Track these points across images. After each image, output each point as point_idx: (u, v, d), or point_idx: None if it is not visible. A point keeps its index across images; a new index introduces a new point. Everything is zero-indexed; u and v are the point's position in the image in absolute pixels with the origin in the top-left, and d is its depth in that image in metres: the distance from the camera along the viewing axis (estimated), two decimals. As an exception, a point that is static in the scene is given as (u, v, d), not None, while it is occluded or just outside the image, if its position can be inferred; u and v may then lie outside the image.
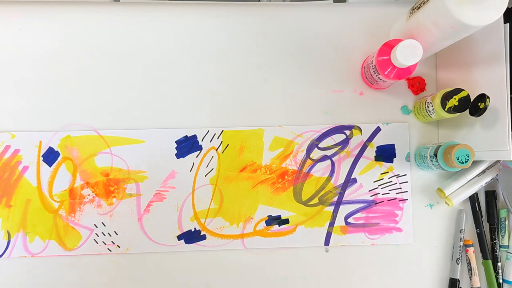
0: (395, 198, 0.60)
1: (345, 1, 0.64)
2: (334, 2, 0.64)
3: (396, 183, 0.60)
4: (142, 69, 0.60)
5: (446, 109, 0.53)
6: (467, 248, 0.60)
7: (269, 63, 0.61)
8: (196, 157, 0.59)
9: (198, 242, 0.59)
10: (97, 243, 0.58)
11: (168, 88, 0.60)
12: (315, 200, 0.60)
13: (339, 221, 0.60)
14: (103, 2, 0.61)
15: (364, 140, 0.60)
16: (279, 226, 0.60)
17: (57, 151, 0.58)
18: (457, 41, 0.51)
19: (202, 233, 0.59)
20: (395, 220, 0.60)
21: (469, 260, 0.60)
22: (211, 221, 0.59)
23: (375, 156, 0.60)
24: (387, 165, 0.60)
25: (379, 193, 0.60)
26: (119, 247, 0.58)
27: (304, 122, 0.61)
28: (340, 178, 0.60)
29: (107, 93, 0.60)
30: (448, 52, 0.57)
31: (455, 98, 0.52)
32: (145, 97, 0.60)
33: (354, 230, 0.60)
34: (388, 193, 0.60)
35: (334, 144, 0.60)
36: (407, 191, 0.60)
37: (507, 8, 0.45)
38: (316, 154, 0.60)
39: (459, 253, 0.60)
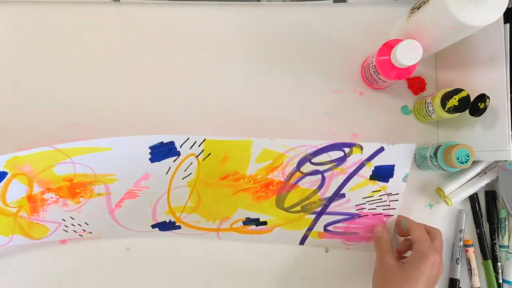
0: (381, 213, 0.58)
1: (345, 1, 0.64)
2: (334, 2, 0.64)
3: (385, 201, 0.58)
4: (141, 71, 0.60)
5: (446, 109, 0.53)
6: (467, 248, 0.60)
7: (268, 63, 0.61)
8: (173, 162, 0.53)
9: (173, 230, 0.57)
10: (67, 232, 0.55)
11: (160, 99, 0.60)
12: (298, 208, 0.57)
13: (318, 228, 0.58)
14: (103, 2, 0.61)
15: (363, 159, 0.56)
16: (256, 226, 0.58)
17: (3, 171, 0.51)
18: (457, 41, 0.51)
19: (177, 224, 0.56)
20: None
21: (469, 260, 0.60)
22: (187, 216, 0.56)
23: (370, 175, 0.57)
24: (380, 184, 0.57)
25: (365, 208, 0.58)
26: (91, 233, 0.56)
27: (304, 123, 0.60)
28: (328, 192, 0.57)
29: (104, 103, 0.59)
30: (448, 52, 0.57)
31: (455, 98, 0.52)
32: (137, 108, 0.60)
33: (331, 236, 0.59)
34: (375, 208, 0.58)
35: (329, 161, 0.55)
36: (395, 209, 0.58)
37: (507, 8, 0.45)
38: (307, 168, 0.56)
39: (459, 253, 0.60)
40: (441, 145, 0.55)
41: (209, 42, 0.61)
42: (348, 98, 0.61)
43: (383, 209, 0.58)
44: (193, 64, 0.61)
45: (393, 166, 0.56)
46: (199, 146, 0.53)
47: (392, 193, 0.58)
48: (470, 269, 0.60)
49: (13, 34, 0.59)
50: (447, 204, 0.59)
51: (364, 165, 0.56)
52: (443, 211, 0.61)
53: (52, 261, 0.58)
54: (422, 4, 0.50)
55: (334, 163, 0.56)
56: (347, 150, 0.55)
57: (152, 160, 0.53)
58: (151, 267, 0.59)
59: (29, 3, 0.60)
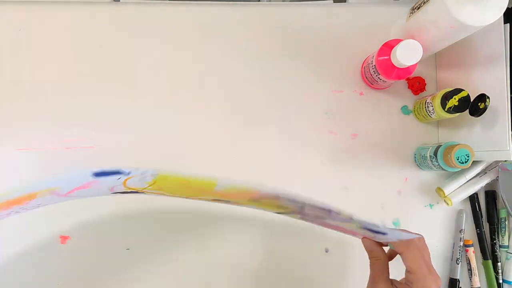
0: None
1: (345, 1, 0.64)
2: (334, 2, 0.64)
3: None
4: (141, 71, 0.60)
5: (446, 109, 0.53)
6: (467, 248, 0.60)
7: (268, 63, 0.61)
8: (118, 180, 0.42)
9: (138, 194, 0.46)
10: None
11: (154, 93, 0.60)
12: (277, 210, 0.47)
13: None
14: (103, 2, 0.61)
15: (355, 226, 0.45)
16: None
17: None
18: (457, 41, 0.51)
19: (140, 193, 0.46)
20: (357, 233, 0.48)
21: (469, 260, 0.60)
22: (152, 192, 0.46)
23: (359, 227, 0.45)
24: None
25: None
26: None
27: (304, 123, 0.60)
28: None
29: (103, 104, 0.60)
30: (448, 52, 0.57)
31: (455, 98, 0.52)
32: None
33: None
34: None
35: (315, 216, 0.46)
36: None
37: (507, 8, 0.45)
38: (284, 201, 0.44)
39: (459, 253, 0.60)
40: (441, 145, 0.55)
41: (209, 42, 0.61)
42: (348, 98, 0.61)
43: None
44: (193, 64, 0.60)
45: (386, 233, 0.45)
46: (150, 179, 0.42)
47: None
48: (470, 269, 0.60)
49: (13, 34, 0.59)
50: (447, 204, 0.59)
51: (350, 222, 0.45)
52: (443, 211, 0.61)
53: (52, 262, 0.58)
54: (422, 4, 0.50)
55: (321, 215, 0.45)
56: (341, 220, 0.45)
57: (96, 175, 0.40)
58: (151, 267, 0.59)
59: (29, 3, 0.60)
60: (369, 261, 0.48)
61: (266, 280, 0.60)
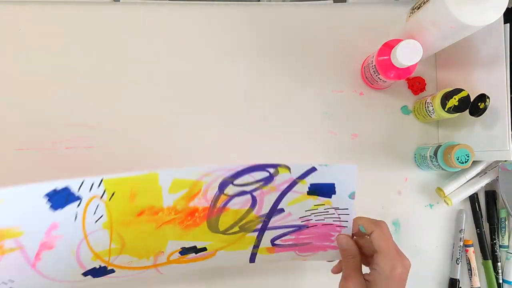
0: (332, 224, 0.49)
1: (345, 1, 0.64)
2: (334, 2, 0.64)
3: (334, 214, 0.48)
4: (140, 71, 0.60)
5: (446, 109, 0.53)
6: (467, 248, 0.60)
7: (268, 63, 0.61)
8: (77, 206, 0.45)
9: (108, 275, 0.50)
10: None
11: (154, 93, 0.60)
12: (236, 229, 0.49)
13: (265, 244, 0.51)
14: (103, 2, 0.61)
15: (294, 178, 0.46)
16: (196, 254, 0.50)
17: None
18: (457, 41, 0.51)
19: (109, 268, 0.49)
20: (331, 239, 0.50)
21: (469, 260, 0.60)
22: (116, 258, 0.49)
23: (307, 191, 0.47)
24: (322, 199, 0.47)
25: (311, 219, 0.49)
26: None
27: (304, 123, 0.61)
28: (263, 209, 0.48)
29: (103, 104, 0.60)
30: (448, 52, 0.57)
31: (455, 98, 0.52)
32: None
33: (282, 249, 0.51)
34: (323, 220, 0.49)
35: (254, 181, 0.46)
36: (347, 221, 0.48)
37: (507, 8, 0.45)
38: (231, 190, 0.47)
39: (459, 253, 0.60)
40: (441, 145, 0.55)
41: (209, 42, 0.61)
42: (348, 98, 0.61)
43: (334, 221, 0.49)
44: (192, 64, 0.60)
45: (333, 184, 0.47)
46: (98, 187, 0.45)
47: (340, 208, 0.48)
48: (470, 269, 0.60)
49: (13, 34, 0.59)
50: (447, 204, 0.59)
51: (297, 183, 0.47)
52: (443, 211, 0.61)
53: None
54: (422, 4, 0.50)
55: (261, 183, 0.47)
56: (272, 170, 0.46)
57: (54, 208, 0.44)
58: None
59: (29, 3, 0.60)
60: (342, 258, 0.48)
61: (266, 279, 0.60)
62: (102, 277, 0.50)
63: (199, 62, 0.61)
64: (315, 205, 0.48)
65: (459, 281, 0.60)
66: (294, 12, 0.62)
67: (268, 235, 0.50)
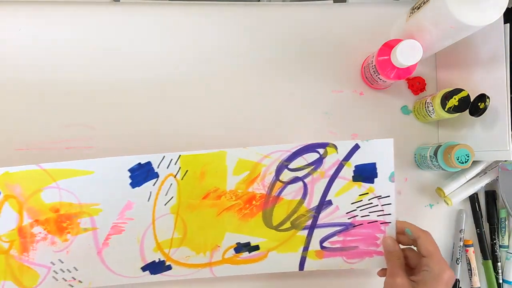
0: (376, 221, 0.53)
1: (345, 1, 0.64)
2: (334, 2, 0.64)
3: (377, 205, 0.53)
4: (140, 71, 0.60)
5: (446, 109, 0.53)
6: (467, 248, 0.60)
7: (268, 63, 0.61)
8: (153, 185, 0.53)
9: (164, 273, 0.55)
10: (57, 280, 0.54)
11: (154, 93, 0.60)
12: (287, 225, 0.54)
13: (314, 246, 0.54)
14: (103, 2, 0.61)
15: (340, 159, 0.52)
16: (249, 253, 0.55)
17: None
18: (457, 41, 0.51)
19: (167, 263, 0.54)
20: (376, 243, 0.54)
21: (469, 260, 0.60)
22: (176, 251, 0.54)
23: (353, 176, 0.53)
24: (366, 185, 0.53)
25: (357, 215, 0.54)
26: (81, 282, 0.54)
27: (304, 123, 0.61)
28: (313, 200, 0.53)
29: (104, 105, 0.59)
30: (448, 52, 0.57)
31: (455, 98, 0.52)
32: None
33: (330, 254, 0.55)
34: (368, 215, 0.53)
35: (306, 165, 0.53)
36: (390, 214, 0.53)
37: (507, 8, 0.45)
38: (286, 176, 0.53)
39: (459, 253, 0.60)
40: (441, 145, 0.55)
41: (208, 42, 0.61)
42: (348, 98, 0.61)
43: (378, 216, 0.53)
44: (192, 64, 0.60)
45: (374, 164, 0.52)
46: (175, 164, 0.52)
47: (382, 196, 0.53)
48: (470, 269, 0.60)
49: (13, 34, 0.59)
50: (447, 204, 0.59)
51: (343, 166, 0.53)
52: (443, 211, 0.61)
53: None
54: (422, 4, 0.50)
55: (312, 167, 0.53)
56: (321, 151, 0.52)
57: (133, 185, 0.52)
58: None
59: (29, 3, 0.60)
60: (387, 260, 0.51)
61: (266, 279, 0.60)
62: (158, 275, 0.54)
63: (199, 62, 0.61)
64: (359, 195, 0.53)
65: (459, 281, 0.60)
66: (294, 12, 0.62)
67: (317, 235, 0.54)
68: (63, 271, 0.54)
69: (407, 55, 0.51)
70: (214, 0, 0.62)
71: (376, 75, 0.56)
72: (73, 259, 0.54)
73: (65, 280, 0.54)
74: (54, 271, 0.54)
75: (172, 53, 0.60)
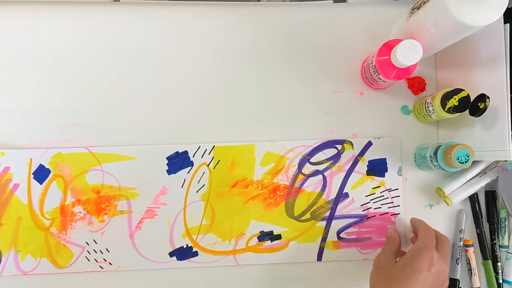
0: (387, 213, 0.60)
1: (345, 1, 0.64)
2: (334, 2, 0.64)
3: (388, 197, 0.60)
4: (140, 75, 0.60)
5: (446, 109, 0.53)
6: (467, 248, 0.60)
7: (268, 63, 0.61)
8: (188, 173, 0.58)
9: (190, 259, 0.58)
10: (89, 260, 0.57)
11: (161, 101, 0.60)
12: (307, 215, 0.59)
13: (332, 236, 0.59)
14: (103, 2, 0.61)
15: (356, 155, 0.60)
16: (271, 241, 0.59)
17: (48, 168, 0.57)
18: (457, 41, 0.51)
19: (194, 249, 0.58)
20: None
21: (469, 260, 0.60)
22: (203, 237, 0.58)
23: (366, 171, 0.60)
24: (378, 179, 0.60)
25: (371, 208, 0.60)
26: (111, 264, 0.57)
27: (304, 123, 0.61)
28: (332, 193, 0.59)
29: (103, 105, 0.59)
30: (448, 52, 0.57)
31: (455, 98, 0.52)
32: (139, 111, 0.60)
33: (346, 245, 0.59)
34: (380, 207, 0.60)
35: (326, 159, 0.59)
36: (399, 205, 0.60)
37: (507, 8, 0.45)
38: (307, 169, 0.59)
39: (459, 253, 0.60)
40: (441, 145, 0.55)
41: (209, 42, 0.61)
42: (348, 98, 0.61)
43: (388, 208, 0.60)
44: (192, 64, 0.60)
45: (385, 159, 0.60)
46: (209, 154, 0.58)
47: (392, 189, 0.60)
48: (470, 269, 0.60)
49: (13, 34, 0.59)
50: (447, 204, 0.59)
51: (358, 161, 0.60)
52: (443, 211, 0.61)
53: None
54: (422, 4, 0.50)
55: (331, 161, 0.59)
56: (339, 147, 0.60)
57: (169, 172, 0.58)
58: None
59: (29, 3, 0.60)
60: (385, 244, 0.56)
61: (266, 279, 0.60)
62: (184, 261, 0.58)
63: (199, 61, 0.61)
64: (373, 188, 0.60)
65: (459, 281, 0.60)
66: (294, 12, 0.62)
67: (335, 226, 0.59)
68: (96, 252, 0.57)
69: (407, 55, 0.51)
70: (214, 0, 0.62)
71: (376, 75, 0.56)
72: (106, 241, 0.57)
73: (97, 261, 0.57)
74: (87, 251, 0.57)
75: (172, 53, 0.60)
